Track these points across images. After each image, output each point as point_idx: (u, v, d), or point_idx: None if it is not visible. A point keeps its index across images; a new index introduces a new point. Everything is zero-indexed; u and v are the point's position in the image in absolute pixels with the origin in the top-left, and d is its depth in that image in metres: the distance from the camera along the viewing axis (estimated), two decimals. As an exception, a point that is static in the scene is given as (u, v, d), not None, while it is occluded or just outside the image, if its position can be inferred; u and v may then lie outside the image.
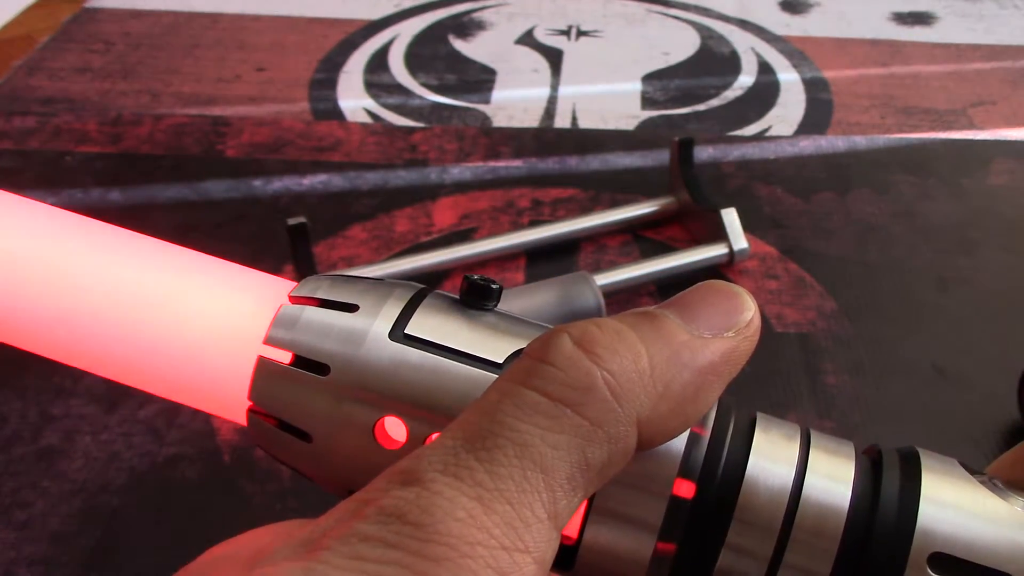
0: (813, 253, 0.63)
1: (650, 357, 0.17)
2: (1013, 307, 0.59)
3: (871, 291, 0.60)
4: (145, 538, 0.45)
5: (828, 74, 0.87)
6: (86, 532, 0.44)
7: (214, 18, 0.95)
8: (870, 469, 0.19)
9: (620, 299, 0.58)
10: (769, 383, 0.53)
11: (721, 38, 0.94)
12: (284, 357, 0.21)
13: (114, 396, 0.51)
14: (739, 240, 0.60)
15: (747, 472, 0.19)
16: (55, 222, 0.24)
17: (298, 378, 0.21)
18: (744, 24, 0.97)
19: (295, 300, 0.22)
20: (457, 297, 0.21)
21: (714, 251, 0.60)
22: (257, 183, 0.69)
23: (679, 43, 0.93)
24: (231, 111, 0.79)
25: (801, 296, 0.59)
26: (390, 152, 0.73)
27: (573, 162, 0.73)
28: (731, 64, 0.89)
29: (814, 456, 0.19)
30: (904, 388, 0.53)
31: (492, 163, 0.72)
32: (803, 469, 0.19)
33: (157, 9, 0.96)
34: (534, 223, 0.64)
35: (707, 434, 0.19)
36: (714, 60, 0.90)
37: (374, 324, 0.20)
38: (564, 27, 0.96)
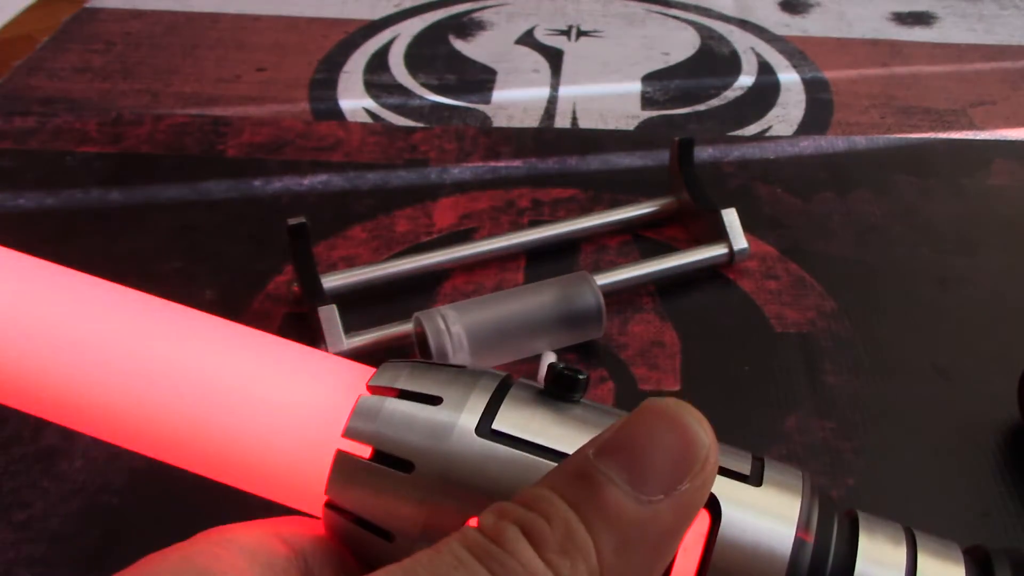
0: (813, 253, 0.63)
1: (599, 551, 0.16)
2: (1013, 307, 0.59)
3: (871, 291, 0.60)
4: (145, 538, 0.44)
5: (828, 74, 0.87)
6: (86, 532, 0.44)
7: (214, 18, 0.95)
8: (979, 573, 0.19)
9: (620, 299, 0.58)
10: (769, 383, 0.53)
11: (721, 38, 0.94)
12: (363, 451, 0.20)
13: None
14: (739, 240, 0.60)
15: None
16: (122, 303, 0.23)
17: (380, 474, 0.20)
18: (744, 24, 0.97)
19: (373, 390, 0.21)
20: (542, 387, 0.21)
21: (714, 251, 0.60)
22: (257, 183, 0.69)
23: (679, 43, 0.93)
24: (231, 111, 0.79)
25: (801, 296, 0.59)
26: (390, 152, 0.73)
27: (573, 162, 0.73)
28: (731, 64, 0.89)
29: (922, 560, 0.19)
30: (904, 388, 0.53)
31: (492, 163, 0.72)
32: (912, 575, 0.18)
33: (157, 9, 0.96)
34: (534, 223, 0.64)
35: (811, 539, 0.18)
36: (714, 60, 0.90)
37: (460, 418, 0.20)
38: (564, 27, 0.96)
